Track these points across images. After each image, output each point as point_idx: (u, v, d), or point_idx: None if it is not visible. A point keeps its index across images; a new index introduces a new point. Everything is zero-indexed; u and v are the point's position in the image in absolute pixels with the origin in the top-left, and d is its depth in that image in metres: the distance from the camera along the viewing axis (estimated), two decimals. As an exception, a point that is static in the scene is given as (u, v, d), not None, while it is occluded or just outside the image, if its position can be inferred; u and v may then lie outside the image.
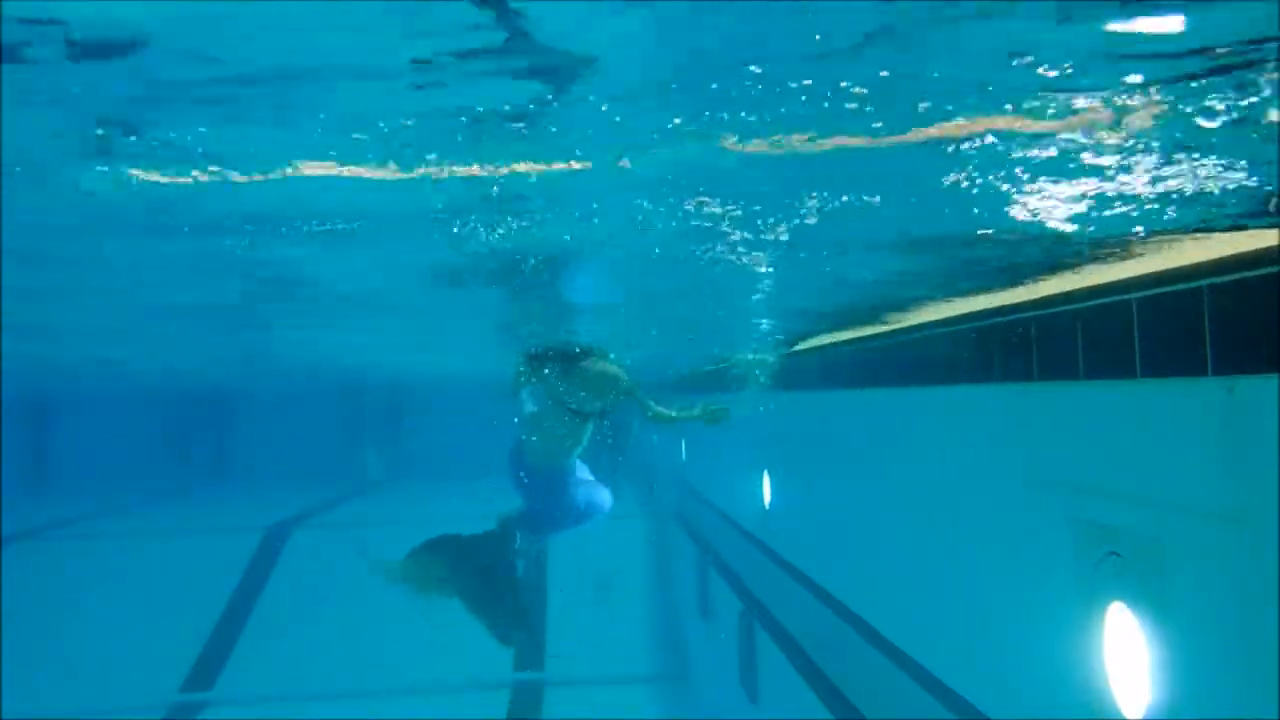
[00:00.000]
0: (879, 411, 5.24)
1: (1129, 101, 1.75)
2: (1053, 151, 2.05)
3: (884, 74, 1.64)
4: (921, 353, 4.64)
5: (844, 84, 1.67)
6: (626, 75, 1.69)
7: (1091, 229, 2.71)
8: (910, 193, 2.51)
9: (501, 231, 2.94)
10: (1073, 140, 1.97)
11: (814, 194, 2.51)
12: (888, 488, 5.01)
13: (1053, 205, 2.50)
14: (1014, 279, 3.51)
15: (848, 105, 1.76)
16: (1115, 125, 1.87)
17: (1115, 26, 1.46)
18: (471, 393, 11.97)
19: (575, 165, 2.19)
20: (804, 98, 1.73)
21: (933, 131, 1.92)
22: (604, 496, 6.59)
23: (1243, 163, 2.07)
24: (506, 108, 1.82)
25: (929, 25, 1.47)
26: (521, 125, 1.92)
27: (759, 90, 1.70)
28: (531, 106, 1.81)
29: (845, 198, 2.53)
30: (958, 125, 1.90)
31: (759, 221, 2.83)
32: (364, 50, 1.58)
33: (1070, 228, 2.71)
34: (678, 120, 1.89)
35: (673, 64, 1.66)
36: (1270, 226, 2.44)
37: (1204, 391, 2.46)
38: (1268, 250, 2.38)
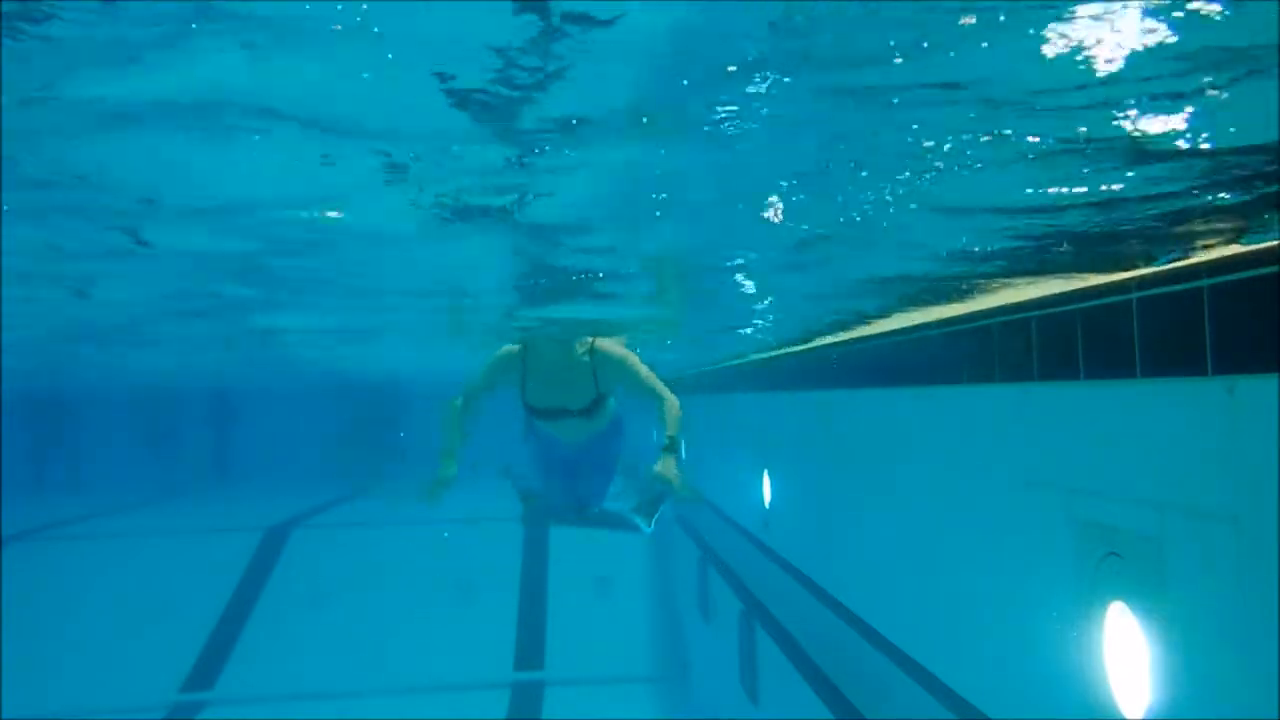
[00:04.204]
0: (879, 412, 5.23)
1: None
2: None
3: None
4: (921, 353, 4.63)
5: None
6: None
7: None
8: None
9: None
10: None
11: None
12: (888, 488, 5.01)
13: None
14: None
15: None
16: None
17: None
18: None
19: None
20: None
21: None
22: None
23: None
24: None
25: None
26: None
27: None
28: None
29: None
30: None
31: None
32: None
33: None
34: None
35: None
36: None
37: (1204, 391, 2.46)
38: (1268, 250, 2.39)
